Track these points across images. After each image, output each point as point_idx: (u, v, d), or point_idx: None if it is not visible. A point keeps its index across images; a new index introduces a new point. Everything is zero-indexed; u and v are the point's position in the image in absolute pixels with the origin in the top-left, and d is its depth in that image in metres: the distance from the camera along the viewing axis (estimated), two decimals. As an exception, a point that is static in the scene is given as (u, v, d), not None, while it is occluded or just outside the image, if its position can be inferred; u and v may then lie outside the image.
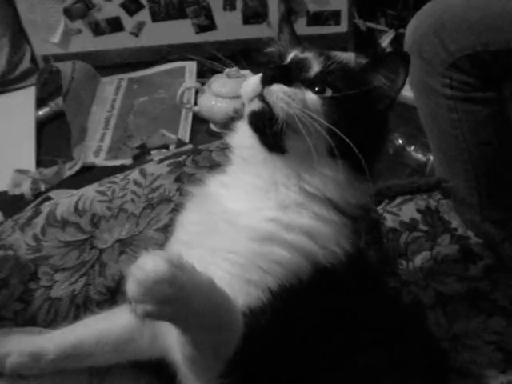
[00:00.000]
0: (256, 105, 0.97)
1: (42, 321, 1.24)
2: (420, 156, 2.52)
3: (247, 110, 1.00)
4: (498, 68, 1.55)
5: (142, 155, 2.64)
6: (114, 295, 1.26)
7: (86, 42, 3.20)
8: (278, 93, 0.95)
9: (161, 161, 1.47)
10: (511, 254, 1.41)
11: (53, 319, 1.24)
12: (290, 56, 1.05)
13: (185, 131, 2.83)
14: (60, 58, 3.15)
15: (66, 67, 3.00)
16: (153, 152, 2.64)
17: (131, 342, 1.15)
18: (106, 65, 3.23)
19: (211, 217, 1.03)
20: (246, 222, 1.00)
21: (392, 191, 1.47)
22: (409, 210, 1.44)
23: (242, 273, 0.95)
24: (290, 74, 0.98)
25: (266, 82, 0.96)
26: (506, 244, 1.41)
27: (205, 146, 1.50)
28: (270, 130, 0.97)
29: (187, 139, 2.76)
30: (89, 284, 1.26)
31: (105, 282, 1.26)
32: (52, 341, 1.13)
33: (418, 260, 1.37)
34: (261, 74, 0.97)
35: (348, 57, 0.98)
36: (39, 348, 1.11)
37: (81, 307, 1.25)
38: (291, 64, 1.03)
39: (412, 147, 2.54)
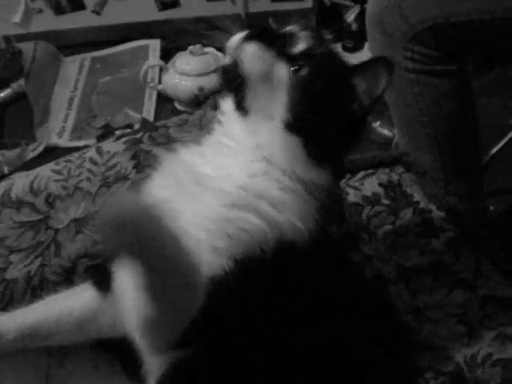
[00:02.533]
0: (228, 59, 1.00)
1: (-3, 303, 1.22)
2: (386, 131, 2.51)
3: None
4: (460, 40, 1.54)
5: (106, 135, 2.61)
6: (70, 275, 1.24)
7: (48, 21, 3.13)
8: (252, 49, 0.97)
9: (117, 138, 1.45)
10: (474, 227, 1.41)
11: (8, 301, 1.22)
12: (284, 29, 1.05)
13: (149, 110, 2.80)
14: (21, 38, 3.09)
15: (27, 47, 2.96)
16: (117, 132, 2.61)
17: (93, 320, 1.13)
18: (68, 44, 3.17)
19: (181, 181, 1.03)
20: (216, 186, 0.99)
21: (354, 166, 1.46)
22: (371, 185, 1.44)
23: (208, 239, 0.94)
24: (273, 40, 1.00)
25: (247, 37, 0.98)
26: (468, 216, 1.41)
27: (162, 122, 1.48)
28: (236, 85, 0.99)
29: (152, 118, 2.73)
30: (44, 265, 1.24)
31: (61, 263, 1.24)
32: (12, 320, 1.12)
33: (381, 234, 1.36)
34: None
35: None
36: None
37: (37, 288, 1.23)
38: (280, 34, 1.03)
39: (378, 122, 2.54)
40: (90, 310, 1.13)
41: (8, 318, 1.12)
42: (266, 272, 0.95)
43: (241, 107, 1.01)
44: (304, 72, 0.99)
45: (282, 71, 0.99)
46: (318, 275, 1.02)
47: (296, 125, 0.98)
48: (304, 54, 1.00)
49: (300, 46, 1.01)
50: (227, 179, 1.00)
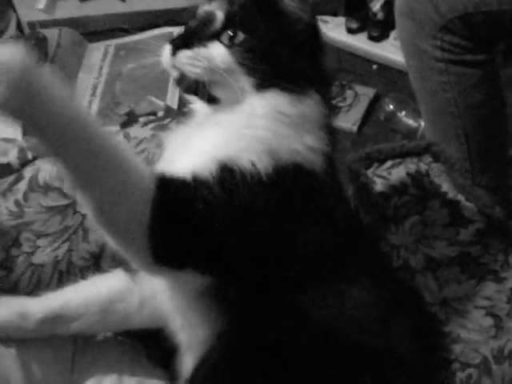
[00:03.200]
0: (173, 73, 1.04)
1: (24, 287, 1.22)
2: (411, 122, 2.49)
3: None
4: (489, 30, 1.53)
5: (129, 122, 2.61)
6: (97, 260, 1.25)
7: (73, 7, 3.14)
8: (182, 59, 1.01)
9: (145, 124, 1.45)
10: (502, 219, 1.39)
11: (36, 285, 1.23)
12: (198, 13, 1.09)
13: (173, 98, 2.79)
14: (46, 24, 3.10)
15: (52, 34, 2.96)
16: (141, 119, 2.61)
17: (120, 302, 1.16)
18: (92, 31, 3.18)
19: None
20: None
21: (382, 155, 1.45)
22: (398, 174, 1.42)
23: (197, 140, 1.02)
24: (193, 36, 1.03)
25: (173, 52, 1.02)
26: (497, 209, 1.39)
27: (190, 107, 1.47)
28: (195, 89, 1.03)
29: (175, 106, 2.73)
30: (72, 250, 1.24)
31: (88, 248, 1.24)
32: (41, 301, 1.14)
33: (408, 224, 1.35)
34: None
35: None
36: (28, 307, 1.12)
37: (64, 273, 1.24)
38: (198, 22, 1.06)
39: (403, 113, 2.52)
40: (117, 291, 1.16)
41: (36, 300, 1.14)
42: (260, 189, 0.95)
43: (211, 101, 1.06)
44: (235, 35, 1.02)
45: (220, 51, 1.01)
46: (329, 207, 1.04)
47: (264, 81, 1.01)
48: (227, 22, 1.03)
49: (219, 19, 1.04)
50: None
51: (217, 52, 1.01)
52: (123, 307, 1.16)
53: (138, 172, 0.89)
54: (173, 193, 0.90)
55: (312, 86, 1.04)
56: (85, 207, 0.91)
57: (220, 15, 1.04)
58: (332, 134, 1.07)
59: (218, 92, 1.04)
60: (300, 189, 0.99)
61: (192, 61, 1.00)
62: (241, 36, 1.01)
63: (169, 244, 0.91)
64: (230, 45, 1.01)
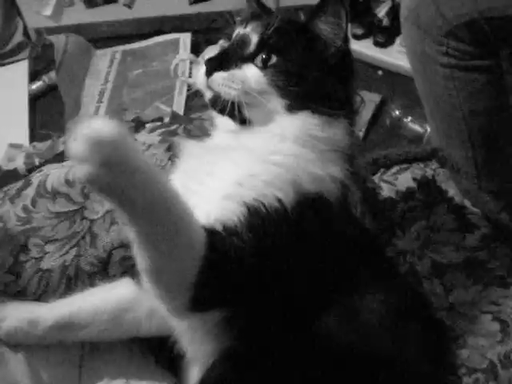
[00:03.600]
0: (208, 94, 1.06)
1: (32, 292, 1.23)
2: (417, 127, 2.50)
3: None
4: (495, 36, 1.53)
5: (136, 128, 2.62)
6: (105, 266, 1.25)
7: (79, 14, 3.14)
8: (218, 81, 1.03)
9: (152, 130, 1.46)
10: (508, 224, 1.40)
11: (44, 291, 1.23)
12: (234, 35, 1.10)
13: (180, 104, 2.80)
14: (53, 30, 3.10)
15: (58, 40, 2.96)
16: (147, 125, 2.62)
17: (129, 311, 1.16)
18: (99, 37, 3.18)
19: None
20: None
21: (388, 160, 1.46)
22: (405, 179, 1.43)
23: (222, 186, 0.99)
24: (228, 58, 1.05)
25: (208, 73, 1.04)
26: (503, 214, 1.40)
27: (197, 114, 1.49)
28: (229, 110, 1.04)
29: (182, 112, 2.73)
30: (80, 255, 1.25)
31: (96, 253, 1.25)
32: (50, 309, 1.16)
33: (414, 229, 1.36)
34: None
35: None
36: (37, 314, 1.14)
37: (72, 278, 1.24)
38: (233, 45, 1.08)
39: (409, 118, 2.52)
40: (126, 300, 1.16)
41: (46, 307, 1.16)
42: (286, 225, 0.96)
43: (244, 122, 1.07)
44: (269, 58, 1.04)
45: (254, 73, 1.04)
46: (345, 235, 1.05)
47: (295, 103, 1.04)
48: (261, 45, 1.05)
49: (253, 42, 1.06)
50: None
51: (251, 74, 1.04)
52: (132, 317, 1.17)
53: (196, 233, 0.89)
54: (220, 248, 0.91)
55: (341, 109, 1.07)
56: (137, 261, 0.91)
57: (255, 38, 1.06)
58: (352, 164, 1.10)
59: (250, 113, 1.05)
60: (321, 219, 1.01)
61: (227, 82, 1.02)
62: (274, 59, 1.04)
63: (211, 294, 0.92)
64: (264, 67, 1.04)
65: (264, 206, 0.95)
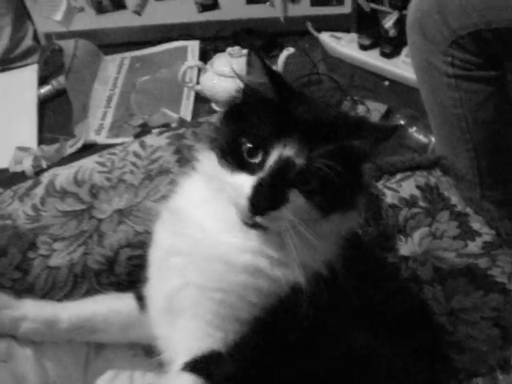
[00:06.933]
0: (249, 222, 0.95)
1: (39, 289, 1.24)
2: (422, 137, 2.51)
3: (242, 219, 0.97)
4: (501, 47, 1.55)
5: (143, 134, 2.64)
6: (111, 265, 1.27)
7: (89, 20, 3.18)
8: (270, 220, 0.93)
9: (160, 133, 1.47)
10: (510, 232, 1.41)
11: (51, 288, 1.25)
12: (273, 159, 0.93)
13: (187, 110, 2.83)
14: (62, 35, 3.15)
15: (68, 45, 2.99)
16: (154, 131, 2.63)
17: (135, 327, 1.20)
18: (108, 43, 3.22)
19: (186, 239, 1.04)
20: (224, 252, 1.00)
21: (392, 167, 1.47)
22: (408, 187, 1.44)
23: (221, 310, 0.99)
24: (275, 192, 0.93)
25: (256, 212, 0.93)
26: (505, 222, 1.41)
27: (205, 118, 1.50)
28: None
29: (189, 118, 2.76)
30: (87, 253, 1.26)
31: (103, 252, 1.26)
32: (66, 310, 1.18)
33: (417, 236, 1.37)
34: (248, 188, 0.92)
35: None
36: (54, 315, 1.16)
37: (79, 276, 1.25)
38: (274, 168, 0.93)
39: (414, 128, 2.53)
40: (133, 317, 1.19)
41: (62, 308, 1.18)
42: (284, 318, 0.98)
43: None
44: (313, 182, 0.93)
45: (300, 202, 0.94)
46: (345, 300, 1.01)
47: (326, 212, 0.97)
48: (306, 170, 0.93)
49: (298, 166, 0.92)
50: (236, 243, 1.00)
51: (297, 204, 0.93)
52: (137, 331, 1.20)
53: None
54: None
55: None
56: None
57: (299, 162, 0.92)
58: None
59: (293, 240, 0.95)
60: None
61: (280, 222, 0.93)
62: (317, 184, 0.93)
63: None
64: (308, 193, 0.94)
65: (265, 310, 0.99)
